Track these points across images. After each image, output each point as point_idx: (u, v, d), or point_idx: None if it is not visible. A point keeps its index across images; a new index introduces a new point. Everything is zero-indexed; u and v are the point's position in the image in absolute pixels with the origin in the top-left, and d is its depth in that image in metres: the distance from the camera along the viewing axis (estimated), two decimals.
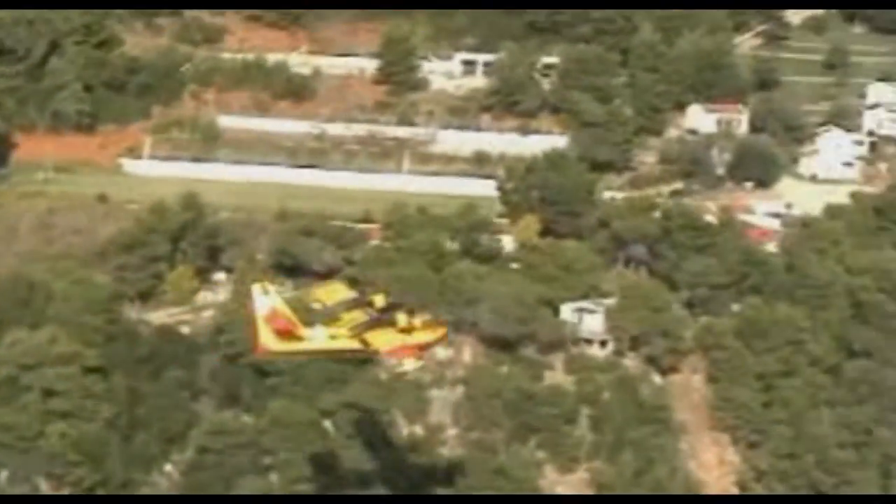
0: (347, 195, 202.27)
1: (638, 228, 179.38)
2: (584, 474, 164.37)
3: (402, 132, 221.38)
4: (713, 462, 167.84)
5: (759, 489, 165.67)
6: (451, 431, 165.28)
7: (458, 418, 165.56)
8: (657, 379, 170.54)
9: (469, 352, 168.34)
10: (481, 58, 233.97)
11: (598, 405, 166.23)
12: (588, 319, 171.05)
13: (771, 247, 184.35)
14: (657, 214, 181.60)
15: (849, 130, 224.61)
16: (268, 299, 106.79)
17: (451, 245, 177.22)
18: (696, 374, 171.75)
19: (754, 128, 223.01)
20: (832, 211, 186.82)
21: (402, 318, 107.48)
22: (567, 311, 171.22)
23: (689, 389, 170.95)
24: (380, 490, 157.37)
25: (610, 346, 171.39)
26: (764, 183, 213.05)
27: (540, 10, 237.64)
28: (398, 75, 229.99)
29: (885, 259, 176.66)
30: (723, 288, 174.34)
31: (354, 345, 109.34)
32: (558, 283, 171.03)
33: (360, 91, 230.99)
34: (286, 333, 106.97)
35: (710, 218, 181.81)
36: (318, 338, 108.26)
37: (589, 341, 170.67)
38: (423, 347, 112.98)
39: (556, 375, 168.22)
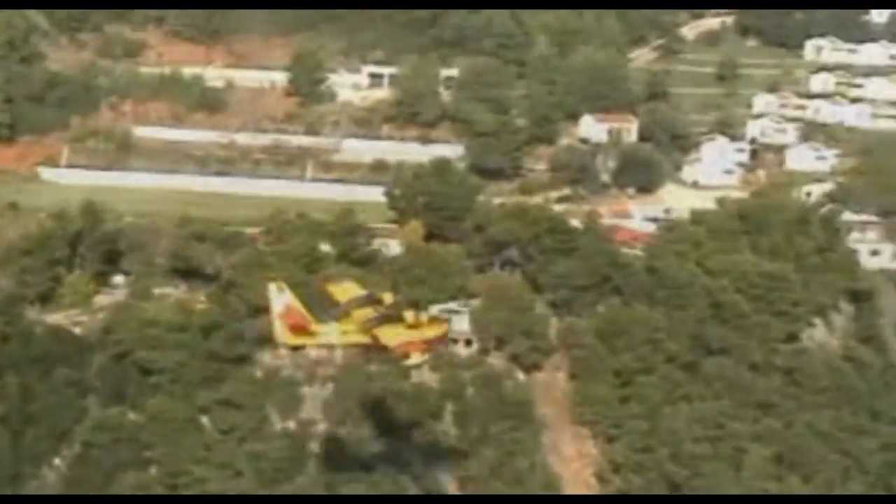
0: (252, 202, 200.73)
1: (510, 233, 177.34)
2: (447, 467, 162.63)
3: (308, 141, 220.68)
4: (573, 455, 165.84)
5: (616, 481, 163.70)
6: (322, 426, 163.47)
7: (328, 414, 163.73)
8: (520, 376, 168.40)
9: (341, 351, 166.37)
10: (387, 71, 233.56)
11: (462, 401, 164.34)
12: (454, 320, 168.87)
13: (638, 250, 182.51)
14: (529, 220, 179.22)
15: (733, 139, 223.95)
16: (283, 297, 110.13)
17: (329, 249, 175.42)
18: (559, 371, 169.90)
19: (643, 137, 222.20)
20: (696, 216, 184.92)
21: (409, 315, 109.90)
22: (435, 312, 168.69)
23: (551, 386, 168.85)
24: None
25: (475, 346, 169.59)
26: (647, 189, 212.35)
27: (446, 25, 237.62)
28: (307, 87, 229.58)
29: (743, 261, 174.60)
30: (586, 289, 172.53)
31: (365, 340, 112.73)
32: (427, 286, 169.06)
33: (271, 103, 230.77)
34: (300, 329, 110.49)
35: (576, 223, 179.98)
36: (330, 333, 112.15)
37: (455, 341, 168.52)
38: (429, 342, 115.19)
39: (423, 373, 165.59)
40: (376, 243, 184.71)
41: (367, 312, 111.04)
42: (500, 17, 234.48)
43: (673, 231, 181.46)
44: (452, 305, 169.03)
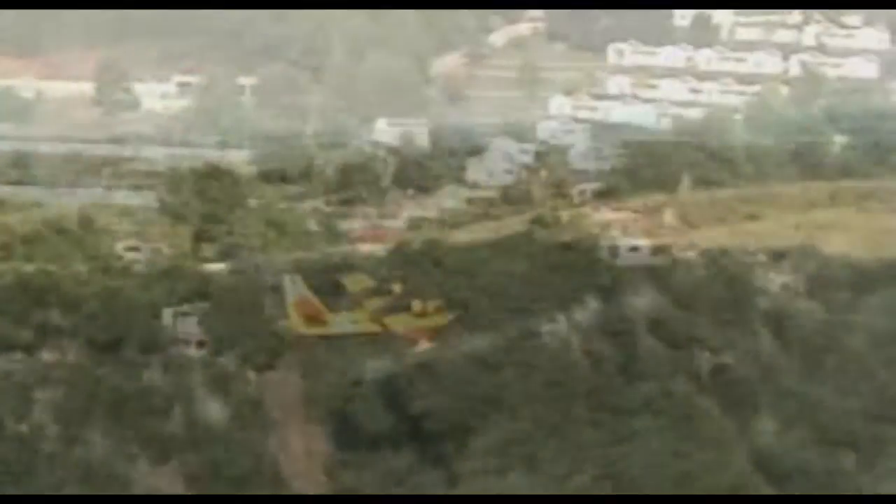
0: (43, 210, 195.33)
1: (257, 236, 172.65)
2: (175, 466, 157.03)
3: (108, 150, 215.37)
4: (301, 453, 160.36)
5: (343, 478, 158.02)
6: (54, 429, 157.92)
7: (59, 417, 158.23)
8: (252, 376, 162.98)
9: (74, 354, 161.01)
10: (196, 80, 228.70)
11: (191, 402, 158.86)
12: (186, 322, 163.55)
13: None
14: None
15: (525, 140, 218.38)
16: (297, 288, 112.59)
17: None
18: (292, 371, 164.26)
19: (435, 140, 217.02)
20: (443, 215, 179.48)
21: (416, 304, 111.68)
22: (167, 315, 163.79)
23: (284, 386, 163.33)
24: None
25: (207, 347, 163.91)
26: (426, 190, 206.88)
27: (254, 34, 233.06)
28: (111, 98, 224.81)
29: (479, 259, 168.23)
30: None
31: (375, 328, 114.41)
32: (161, 288, 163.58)
33: (78, 113, 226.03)
34: (313, 319, 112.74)
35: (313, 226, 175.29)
36: (342, 322, 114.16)
37: (187, 342, 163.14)
38: (435, 330, 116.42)
39: (154, 375, 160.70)
40: (145, 248, 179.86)
41: (377, 302, 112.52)
42: (305, 26, 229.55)
43: (417, 229, 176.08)
44: (185, 307, 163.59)
